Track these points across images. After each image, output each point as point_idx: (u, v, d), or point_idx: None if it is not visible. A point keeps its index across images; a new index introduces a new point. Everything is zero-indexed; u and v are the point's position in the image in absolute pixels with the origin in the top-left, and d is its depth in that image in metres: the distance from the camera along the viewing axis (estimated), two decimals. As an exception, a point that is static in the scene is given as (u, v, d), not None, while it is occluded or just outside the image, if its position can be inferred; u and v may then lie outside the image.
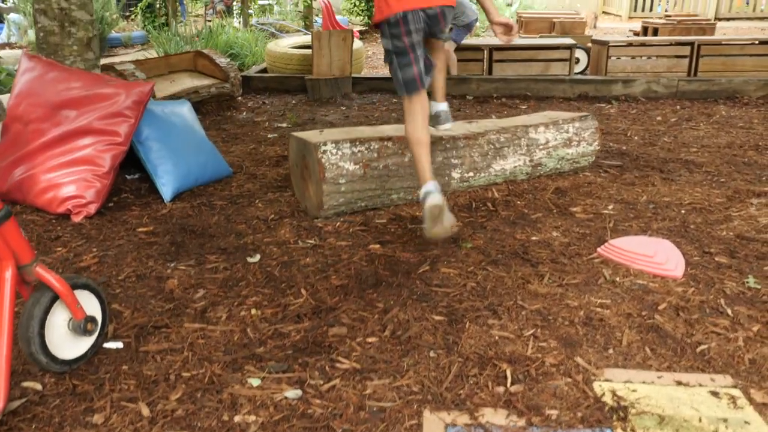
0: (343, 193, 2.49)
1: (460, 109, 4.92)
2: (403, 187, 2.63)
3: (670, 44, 5.28)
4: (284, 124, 4.35)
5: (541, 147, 2.93)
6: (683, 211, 2.69)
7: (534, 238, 2.41)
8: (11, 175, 2.67)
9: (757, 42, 5.24)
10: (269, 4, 14.23)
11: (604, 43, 5.33)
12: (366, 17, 11.19)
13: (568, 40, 5.53)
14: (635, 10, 15.59)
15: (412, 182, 2.64)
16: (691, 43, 5.24)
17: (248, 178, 3.19)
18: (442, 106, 2.57)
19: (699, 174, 3.22)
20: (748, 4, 15.20)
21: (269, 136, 4.03)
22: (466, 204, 2.76)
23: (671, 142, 3.87)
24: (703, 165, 3.36)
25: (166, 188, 2.79)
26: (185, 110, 3.12)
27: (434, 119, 2.55)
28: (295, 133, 2.68)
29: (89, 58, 2.87)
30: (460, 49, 5.53)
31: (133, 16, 11.09)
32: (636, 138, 4.00)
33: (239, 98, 5.13)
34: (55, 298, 1.49)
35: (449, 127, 2.58)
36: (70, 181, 2.58)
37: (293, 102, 5.23)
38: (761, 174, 3.21)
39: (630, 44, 5.38)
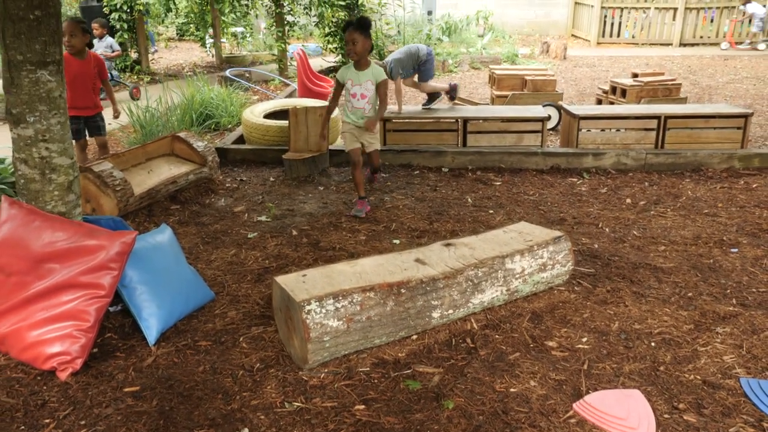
0: (327, 348, 2.56)
1: (436, 188, 5.02)
2: (385, 333, 2.70)
3: (638, 117, 5.45)
4: (263, 218, 4.39)
5: (517, 276, 3.04)
6: (653, 344, 2.81)
7: (513, 390, 2.50)
8: (-6, 329, 2.67)
9: (719, 116, 5.43)
10: (242, 33, 14.21)
11: (575, 116, 5.47)
12: (340, 54, 11.25)
13: (540, 112, 5.67)
14: (603, 36, 15.94)
15: (393, 328, 2.72)
16: (657, 117, 5.41)
17: (231, 302, 3.23)
18: None
19: (667, 285, 3.35)
20: (712, 21, 15.65)
21: (249, 236, 4.07)
22: (445, 341, 2.84)
23: (640, 237, 4.01)
24: (671, 273, 3.49)
25: (150, 331, 2.82)
26: (166, 239, 3.15)
27: None
28: (278, 279, 2.74)
29: (70, 200, 2.88)
30: (436, 120, 5.64)
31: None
32: (607, 230, 4.13)
33: (218, 176, 5.14)
34: None
35: None
36: (55, 337, 2.59)
37: (271, 179, 5.27)
38: (725, 285, 3.36)
39: (600, 117, 5.53)
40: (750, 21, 14.37)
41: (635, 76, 6.93)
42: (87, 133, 5.03)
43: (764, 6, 14.23)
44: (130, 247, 2.72)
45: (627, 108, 5.82)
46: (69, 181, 2.87)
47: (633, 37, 15.79)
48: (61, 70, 2.75)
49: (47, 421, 2.35)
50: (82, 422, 2.34)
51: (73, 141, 4.67)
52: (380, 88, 4.29)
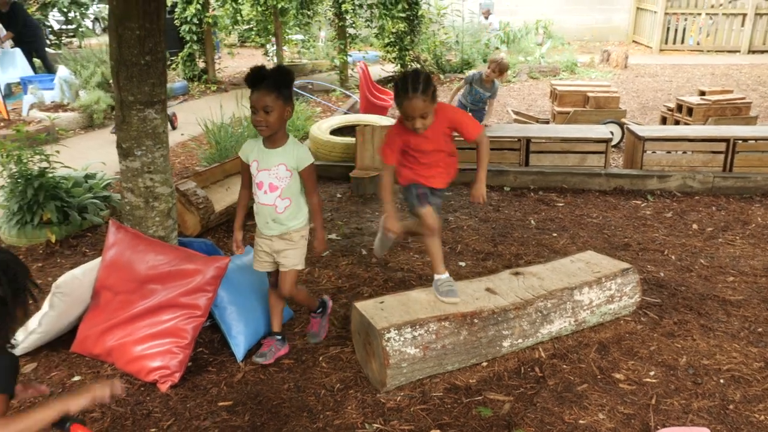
0: (404, 374, 2.72)
1: (499, 208, 5.12)
2: (458, 360, 2.85)
3: (706, 140, 5.41)
4: (334, 235, 4.60)
5: (585, 308, 3.13)
6: (722, 381, 2.86)
7: (582, 422, 2.61)
8: (104, 342, 2.96)
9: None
10: (303, 41, 14.58)
11: (641, 138, 5.48)
12: (399, 64, 11.42)
13: (604, 133, 5.69)
14: (666, 43, 15.57)
15: (465, 356, 2.86)
16: (726, 140, 5.36)
17: (309, 321, 3.43)
18: (442, 277, 3.04)
19: (736, 319, 3.38)
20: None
21: (322, 254, 4.28)
22: (514, 369, 2.96)
23: (708, 266, 4.02)
24: (740, 306, 3.51)
25: (239, 349, 3.05)
26: (251, 260, 3.37)
27: (437, 289, 3.03)
28: (358, 305, 2.92)
29: (168, 225, 3.15)
30: (499, 139, 5.75)
31: (174, 66, 11.50)
32: (673, 257, 4.15)
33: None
34: None
35: (455, 301, 2.95)
36: (157, 352, 2.85)
37: (338, 195, 5.48)
38: (796, 320, 3.35)
39: (666, 139, 5.51)
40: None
41: (702, 93, 6.83)
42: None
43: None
44: (224, 271, 2.95)
45: (694, 129, 5.77)
46: (168, 208, 3.14)
47: (698, 43, 15.37)
48: (164, 108, 3.01)
49: (153, 430, 2.60)
50: (184, 434, 2.58)
51: (419, 207, 3.01)
52: (306, 177, 2.79)
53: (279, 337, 3.08)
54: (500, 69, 5.78)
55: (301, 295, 3.09)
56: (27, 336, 3.04)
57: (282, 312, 3.13)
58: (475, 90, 5.95)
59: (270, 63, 13.77)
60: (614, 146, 6.71)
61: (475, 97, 5.99)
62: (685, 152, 5.52)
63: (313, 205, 2.91)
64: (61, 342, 3.18)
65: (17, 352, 3.06)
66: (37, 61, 10.81)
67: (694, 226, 4.69)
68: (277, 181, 2.77)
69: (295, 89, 9.14)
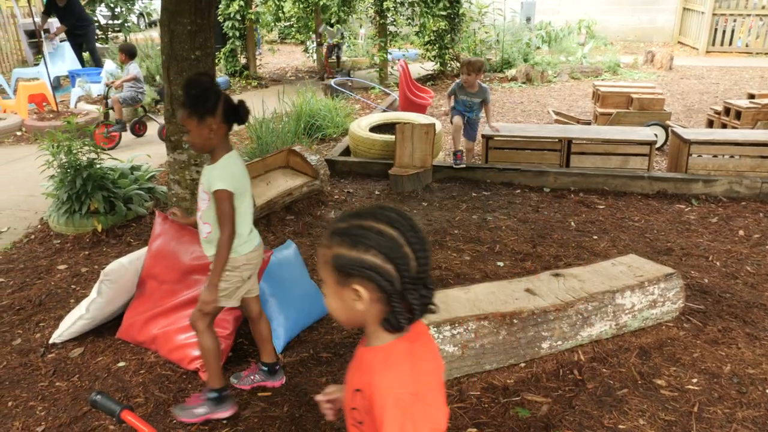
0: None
1: (538, 209, 5.07)
2: (496, 360, 2.84)
3: (755, 144, 5.26)
4: (372, 232, 4.62)
5: (626, 311, 3.08)
6: (768, 391, 2.79)
7: (621, 426, 2.58)
8: (148, 329, 3.04)
9: None
10: (338, 34, 14.63)
11: (686, 141, 5.35)
12: (438, 63, 11.39)
13: (648, 135, 5.58)
14: (713, 44, 15.14)
15: (504, 356, 2.85)
16: (776, 144, 5.20)
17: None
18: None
19: (784, 329, 3.28)
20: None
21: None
22: (553, 371, 2.94)
23: (754, 274, 3.91)
24: (788, 315, 3.41)
25: (279, 341, 3.10)
26: (291, 254, 3.42)
27: None
28: (397, 302, 2.93)
29: (213, 217, 3.20)
30: (539, 139, 5.68)
31: (216, 61, 11.69)
32: (718, 264, 4.05)
33: (327, 188, 5.44)
34: None
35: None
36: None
37: (376, 193, 5.50)
38: None
39: (712, 142, 5.37)
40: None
41: (751, 97, 6.63)
42: None
43: None
44: (266, 264, 3.00)
45: (742, 133, 5.61)
46: (213, 201, 3.19)
47: (746, 45, 14.91)
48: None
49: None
50: (224, 421, 2.63)
51: None
52: (217, 204, 2.38)
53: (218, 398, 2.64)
54: (470, 68, 5.56)
55: (262, 329, 2.75)
56: (75, 322, 3.15)
57: (267, 340, 2.81)
58: (461, 99, 5.82)
59: (309, 60, 13.89)
60: (658, 149, 6.57)
61: (464, 105, 5.83)
62: (732, 156, 5.37)
63: (218, 240, 2.38)
64: (107, 328, 3.29)
65: (63, 337, 3.18)
66: (85, 54, 11.14)
67: (741, 232, 4.56)
68: (200, 202, 2.48)
69: (334, 86, 9.20)
